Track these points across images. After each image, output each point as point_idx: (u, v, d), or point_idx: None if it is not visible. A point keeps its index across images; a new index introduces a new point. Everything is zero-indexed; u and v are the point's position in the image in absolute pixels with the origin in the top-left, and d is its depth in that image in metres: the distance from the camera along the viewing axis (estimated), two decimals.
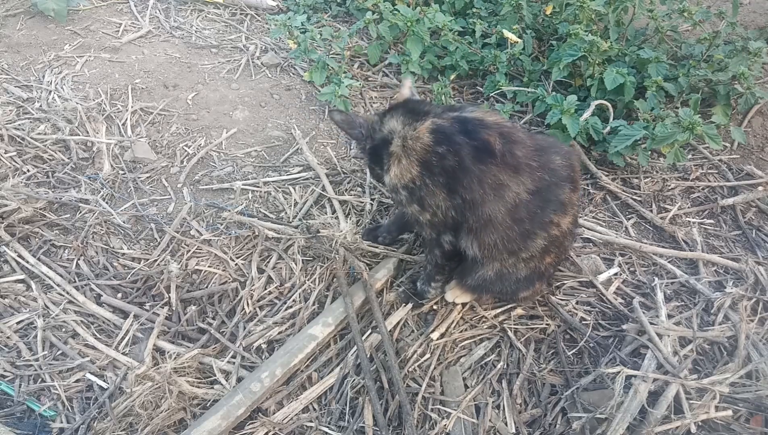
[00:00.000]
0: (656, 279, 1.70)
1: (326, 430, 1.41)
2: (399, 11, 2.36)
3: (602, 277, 1.71)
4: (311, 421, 1.42)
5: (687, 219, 1.94)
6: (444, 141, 1.32)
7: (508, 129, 1.35)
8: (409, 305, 1.64)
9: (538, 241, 1.39)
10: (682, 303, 1.66)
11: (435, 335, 1.57)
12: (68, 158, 2.07)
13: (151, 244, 1.83)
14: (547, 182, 1.34)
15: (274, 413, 1.43)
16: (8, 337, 1.56)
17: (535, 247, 1.40)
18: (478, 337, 1.59)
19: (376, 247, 1.75)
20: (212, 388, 1.47)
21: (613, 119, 2.01)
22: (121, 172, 2.05)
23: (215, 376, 1.50)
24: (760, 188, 2.01)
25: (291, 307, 1.66)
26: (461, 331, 1.60)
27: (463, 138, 1.31)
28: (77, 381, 1.50)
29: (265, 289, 1.71)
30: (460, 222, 1.40)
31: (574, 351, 1.55)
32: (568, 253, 1.63)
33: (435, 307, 1.65)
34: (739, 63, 2.06)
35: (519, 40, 2.33)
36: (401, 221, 1.75)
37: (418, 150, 1.34)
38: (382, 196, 1.98)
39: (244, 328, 1.61)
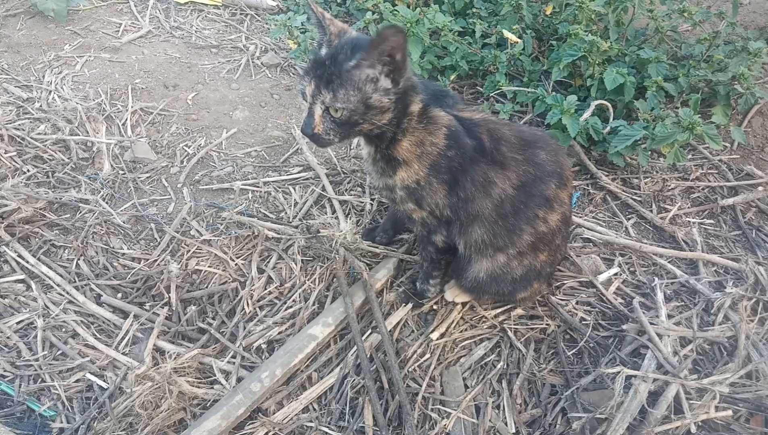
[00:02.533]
0: (656, 279, 1.70)
1: (326, 430, 1.41)
2: (399, 12, 2.36)
3: (602, 277, 1.71)
4: (311, 421, 1.42)
5: (687, 219, 1.94)
6: (454, 145, 1.31)
7: (494, 125, 1.36)
8: (409, 305, 1.64)
9: (525, 237, 1.39)
10: (682, 303, 1.66)
11: (435, 335, 1.57)
12: (68, 158, 2.07)
13: (151, 244, 1.83)
14: (532, 176, 1.34)
15: (274, 413, 1.43)
16: (8, 337, 1.56)
17: (521, 242, 1.40)
18: (478, 337, 1.59)
19: (376, 247, 1.75)
20: (212, 388, 1.47)
21: (613, 119, 2.01)
22: (121, 172, 2.05)
23: (215, 376, 1.50)
24: (760, 188, 2.01)
25: (291, 307, 1.66)
26: (461, 331, 1.60)
27: (467, 141, 1.32)
28: (77, 381, 1.50)
29: (265, 289, 1.71)
30: (453, 219, 1.41)
31: (574, 351, 1.55)
32: (563, 252, 1.63)
33: (435, 307, 1.65)
34: (739, 63, 2.06)
35: (519, 40, 2.33)
36: (393, 220, 1.76)
37: (434, 155, 1.32)
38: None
39: (244, 328, 1.61)
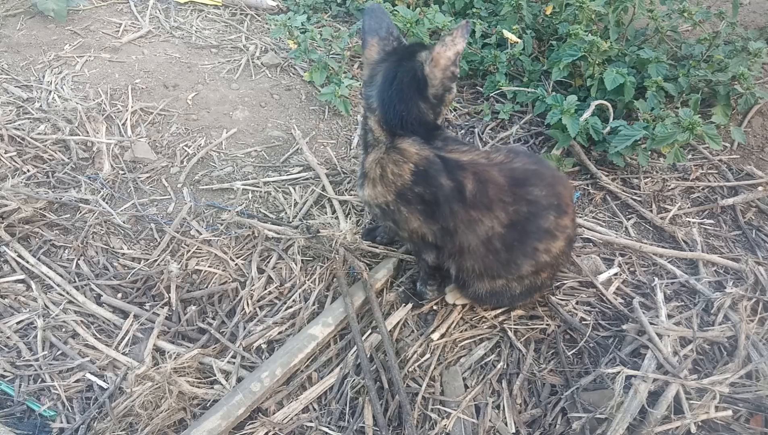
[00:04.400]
0: (656, 279, 1.70)
1: (326, 430, 1.41)
2: (399, 12, 2.37)
3: (602, 277, 1.71)
4: (311, 421, 1.42)
5: (687, 219, 1.94)
6: (422, 182, 1.31)
7: (483, 166, 1.33)
8: (409, 305, 1.64)
9: (525, 267, 1.40)
10: (682, 303, 1.66)
11: (435, 336, 1.57)
12: (68, 158, 2.07)
13: (151, 244, 1.83)
14: (526, 214, 1.33)
15: (274, 413, 1.43)
16: (8, 337, 1.56)
17: (519, 272, 1.41)
18: (478, 337, 1.59)
19: (376, 247, 1.75)
20: (212, 388, 1.47)
21: (613, 119, 2.01)
22: (121, 172, 2.05)
23: (215, 376, 1.50)
24: (760, 188, 2.01)
25: (291, 307, 1.65)
26: (461, 331, 1.60)
27: (442, 180, 1.30)
28: (77, 381, 1.50)
29: (265, 289, 1.71)
30: (440, 246, 1.43)
31: (574, 351, 1.55)
32: (566, 265, 1.66)
33: (435, 307, 1.65)
34: (739, 63, 2.06)
35: (519, 40, 2.33)
36: None
37: (398, 185, 1.34)
38: None
39: (244, 328, 1.61)
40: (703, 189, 2.05)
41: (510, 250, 1.36)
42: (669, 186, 2.04)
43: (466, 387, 1.48)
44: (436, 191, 1.31)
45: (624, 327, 1.56)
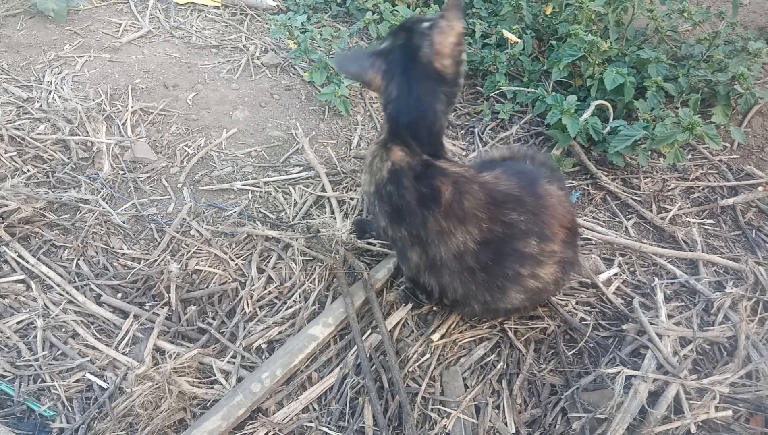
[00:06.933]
0: (656, 279, 1.70)
1: (326, 430, 1.41)
2: (399, 12, 2.37)
3: (602, 277, 1.71)
4: (311, 421, 1.42)
5: (687, 219, 1.94)
6: (395, 182, 1.32)
7: (465, 179, 1.32)
8: (409, 305, 1.64)
9: (513, 294, 1.38)
10: (682, 303, 1.66)
11: (435, 336, 1.57)
12: (68, 158, 2.07)
13: (151, 244, 1.83)
14: (501, 234, 1.31)
15: (274, 413, 1.43)
16: (8, 337, 1.56)
17: (509, 300, 1.39)
18: (478, 338, 1.59)
19: (373, 245, 1.75)
20: (212, 388, 1.47)
21: (613, 119, 2.01)
22: (121, 172, 2.05)
23: (215, 376, 1.50)
24: (760, 188, 2.01)
25: (291, 307, 1.66)
26: (461, 332, 1.60)
27: (412, 183, 1.30)
28: (77, 381, 1.49)
29: (265, 289, 1.71)
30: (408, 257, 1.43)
31: (574, 351, 1.55)
32: (567, 282, 1.65)
33: (435, 308, 1.65)
34: (738, 63, 2.06)
35: (519, 40, 2.33)
36: None
37: (377, 180, 1.37)
38: None
39: (244, 328, 1.61)
40: (703, 189, 2.05)
41: (486, 271, 1.34)
42: (669, 186, 2.04)
43: (466, 387, 1.48)
44: (404, 194, 1.31)
45: (624, 327, 1.56)
